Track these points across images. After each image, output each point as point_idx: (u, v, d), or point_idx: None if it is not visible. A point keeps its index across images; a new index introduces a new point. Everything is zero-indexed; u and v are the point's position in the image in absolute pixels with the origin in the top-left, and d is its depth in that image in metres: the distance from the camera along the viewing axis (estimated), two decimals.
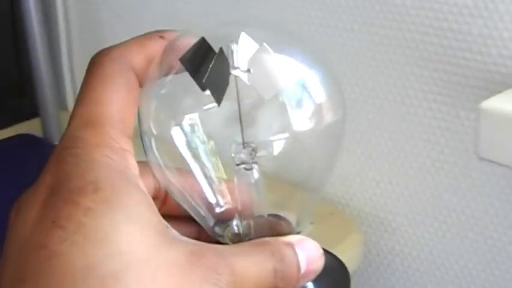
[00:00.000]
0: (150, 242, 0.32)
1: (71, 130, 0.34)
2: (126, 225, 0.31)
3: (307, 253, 0.35)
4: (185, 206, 0.38)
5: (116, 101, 0.35)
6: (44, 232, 0.31)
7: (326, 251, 0.37)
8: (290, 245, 0.35)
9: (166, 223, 0.33)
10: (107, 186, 0.32)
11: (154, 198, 0.38)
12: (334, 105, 0.38)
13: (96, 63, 0.36)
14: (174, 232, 0.33)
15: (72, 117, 0.35)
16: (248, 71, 0.37)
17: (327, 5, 0.79)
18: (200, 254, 0.32)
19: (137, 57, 0.36)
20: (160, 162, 0.37)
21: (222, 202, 0.39)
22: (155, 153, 0.37)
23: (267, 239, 0.36)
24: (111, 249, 0.30)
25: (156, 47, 0.37)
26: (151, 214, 0.33)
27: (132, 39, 0.37)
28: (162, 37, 0.37)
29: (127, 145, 0.35)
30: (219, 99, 0.36)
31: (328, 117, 0.38)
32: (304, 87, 0.38)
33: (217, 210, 0.39)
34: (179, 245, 0.33)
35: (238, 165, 0.39)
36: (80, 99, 0.35)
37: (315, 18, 0.80)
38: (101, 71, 0.35)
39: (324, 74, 0.38)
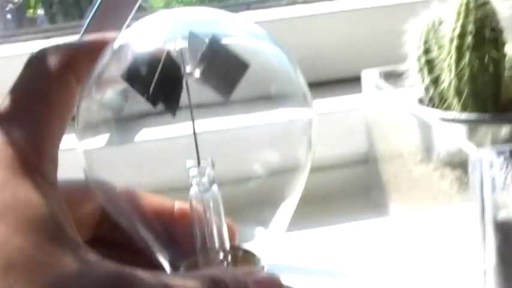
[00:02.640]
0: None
1: None
2: None
3: None
4: (128, 229, 0.33)
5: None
6: None
7: None
8: (243, 278, 0.29)
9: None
10: None
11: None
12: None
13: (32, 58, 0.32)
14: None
15: None
16: (203, 71, 0.32)
17: None
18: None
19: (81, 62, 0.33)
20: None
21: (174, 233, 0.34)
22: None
23: (214, 270, 0.30)
24: None
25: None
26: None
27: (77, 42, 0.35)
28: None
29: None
30: (173, 109, 0.31)
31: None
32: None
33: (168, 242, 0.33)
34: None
35: (192, 186, 0.32)
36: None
37: None
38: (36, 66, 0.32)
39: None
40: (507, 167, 0.56)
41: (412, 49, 0.70)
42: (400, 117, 0.73)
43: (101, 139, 0.33)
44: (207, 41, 0.32)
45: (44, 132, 0.31)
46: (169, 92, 0.31)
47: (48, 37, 0.88)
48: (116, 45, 0.33)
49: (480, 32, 0.64)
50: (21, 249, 0.27)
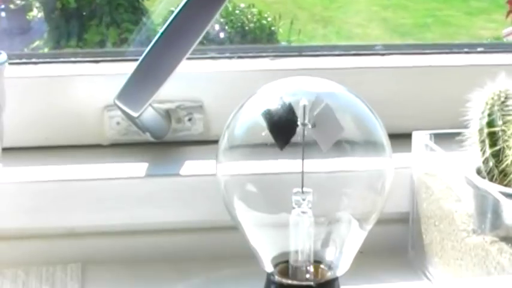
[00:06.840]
0: None
1: None
2: None
3: None
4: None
5: None
6: None
7: None
8: None
9: None
10: None
11: None
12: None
13: None
14: None
15: None
16: (314, 125, 0.49)
17: None
18: None
19: None
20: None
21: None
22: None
23: None
24: None
25: None
26: None
27: None
28: None
29: None
30: (282, 145, 0.50)
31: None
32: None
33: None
34: None
35: (294, 208, 0.50)
36: None
37: None
38: None
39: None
40: None
41: (475, 119, 0.70)
42: (452, 183, 0.73)
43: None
44: (322, 104, 0.51)
45: None
46: (285, 134, 0.52)
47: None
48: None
49: None
50: None
